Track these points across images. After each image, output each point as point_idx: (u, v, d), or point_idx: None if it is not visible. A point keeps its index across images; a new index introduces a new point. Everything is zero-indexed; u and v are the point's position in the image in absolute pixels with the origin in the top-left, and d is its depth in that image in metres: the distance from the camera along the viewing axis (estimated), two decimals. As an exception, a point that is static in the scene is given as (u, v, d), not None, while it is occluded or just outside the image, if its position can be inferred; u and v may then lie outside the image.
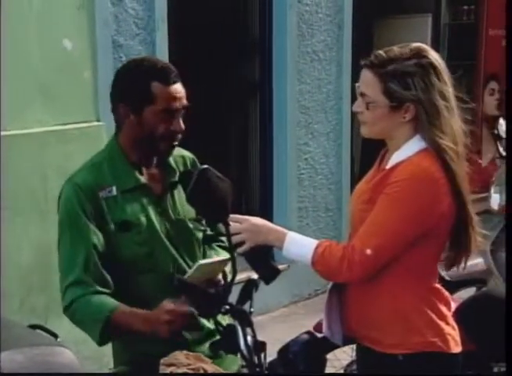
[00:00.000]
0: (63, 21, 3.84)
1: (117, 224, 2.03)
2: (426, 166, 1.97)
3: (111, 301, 1.99)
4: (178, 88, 2.05)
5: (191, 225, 2.15)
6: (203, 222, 2.20)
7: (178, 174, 2.13)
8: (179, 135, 2.08)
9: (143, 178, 2.08)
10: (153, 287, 2.05)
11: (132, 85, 2.04)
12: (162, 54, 4.27)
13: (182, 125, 2.06)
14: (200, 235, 2.18)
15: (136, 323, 1.96)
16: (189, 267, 2.11)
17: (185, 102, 2.07)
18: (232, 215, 1.94)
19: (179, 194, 2.11)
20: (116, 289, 2.04)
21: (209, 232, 2.23)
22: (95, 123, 3.94)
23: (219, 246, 2.25)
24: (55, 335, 2.48)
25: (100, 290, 2.00)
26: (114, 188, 2.04)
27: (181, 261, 2.10)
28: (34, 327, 2.49)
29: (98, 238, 2.01)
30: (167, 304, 1.93)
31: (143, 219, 2.05)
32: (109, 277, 2.02)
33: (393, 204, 1.96)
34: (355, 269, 1.94)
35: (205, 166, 1.88)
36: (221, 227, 2.02)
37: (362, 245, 1.94)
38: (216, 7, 5.31)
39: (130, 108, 2.04)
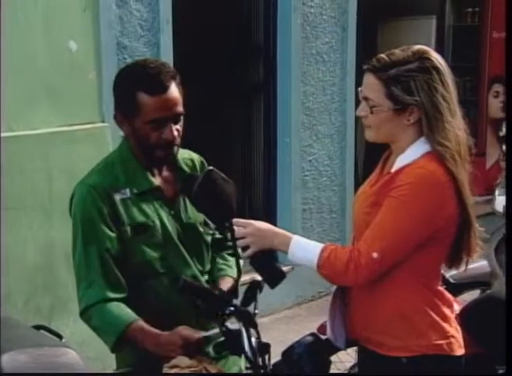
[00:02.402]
0: (68, 23, 3.85)
1: (132, 226, 2.01)
2: (432, 169, 1.97)
3: (127, 315, 1.98)
4: (168, 97, 1.96)
5: (201, 229, 2.14)
6: (212, 225, 2.19)
7: None
8: (175, 143, 2.02)
9: (156, 181, 2.07)
10: (166, 291, 2.04)
11: (120, 96, 2.02)
12: (166, 56, 4.28)
13: (175, 133, 1.99)
14: (208, 239, 2.18)
15: (148, 343, 1.95)
16: (199, 271, 2.11)
17: (178, 109, 1.99)
18: (236, 220, 1.94)
19: None
20: (128, 293, 2.03)
21: (217, 235, 2.22)
22: (100, 124, 3.95)
23: (229, 254, 2.23)
24: (59, 336, 2.48)
25: (114, 296, 1.99)
26: (128, 190, 2.02)
27: (192, 263, 2.10)
28: (38, 327, 2.49)
29: (112, 240, 1.99)
30: (183, 330, 1.93)
31: (157, 222, 2.04)
32: (123, 280, 2.01)
33: (400, 207, 1.95)
34: (362, 272, 1.94)
35: (210, 168, 1.88)
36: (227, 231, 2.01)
37: (368, 248, 1.94)
38: (220, 9, 5.31)
39: (123, 117, 2.03)
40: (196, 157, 2.21)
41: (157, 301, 2.04)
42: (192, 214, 2.11)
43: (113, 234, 2.00)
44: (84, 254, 2.00)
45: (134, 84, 1.97)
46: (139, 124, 1.99)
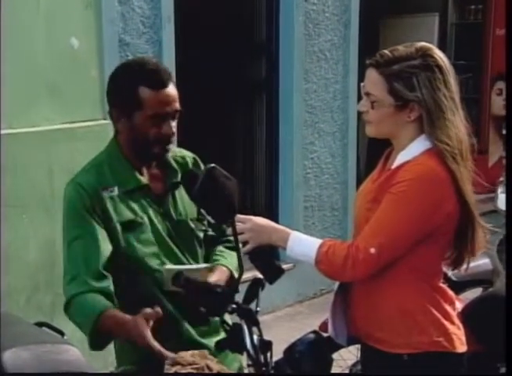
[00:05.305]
0: (70, 20, 3.85)
1: (120, 223, 2.02)
2: (432, 166, 1.96)
3: (102, 303, 1.93)
4: (169, 92, 2.00)
5: (193, 225, 2.14)
6: (205, 222, 2.19)
7: (179, 174, 2.12)
8: (172, 139, 2.05)
9: (144, 179, 2.08)
10: (159, 287, 2.04)
11: (120, 90, 2.03)
12: (168, 53, 4.28)
13: (174, 129, 2.03)
14: (201, 235, 2.18)
15: (116, 329, 1.89)
16: None
17: (176, 106, 2.02)
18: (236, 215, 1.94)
19: (180, 194, 2.11)
20: (122, 290, 2.02)
21: (210, 232, 2.22)
22: (102, 121, 3.94)
23: (227, 247, 2.22)
24: (61, 333, 2.48)
25: (97, 287, 1.95)
26: (116, 188, 2.04)
27: (184, 260, 2.10)
28: (40, 324, 2.49)
29: (101, 236, 2.00)
30: (144, 309, 1.85)
31: (146, 220, 2.05)
32: (110, 276, 2.00)
33: (399, 203, 1.95)
34: (359, 268, 1.94)
35: (212, 165, 1.88)
36: (226, 228, 2.00)
37: (366, 244, 1.94)
38: (222, 6, 5.31)
39: (120, 112, 2.04)
40: (188, 154, 2.21)
41: (152, 297, 2.03)
42: (183, 210, 2.12)
43: (102, 231, 1.99)
44: (68, 250, 2.01)
45: (135, 79, 2.00)
46: (140, 120, 2.00)
